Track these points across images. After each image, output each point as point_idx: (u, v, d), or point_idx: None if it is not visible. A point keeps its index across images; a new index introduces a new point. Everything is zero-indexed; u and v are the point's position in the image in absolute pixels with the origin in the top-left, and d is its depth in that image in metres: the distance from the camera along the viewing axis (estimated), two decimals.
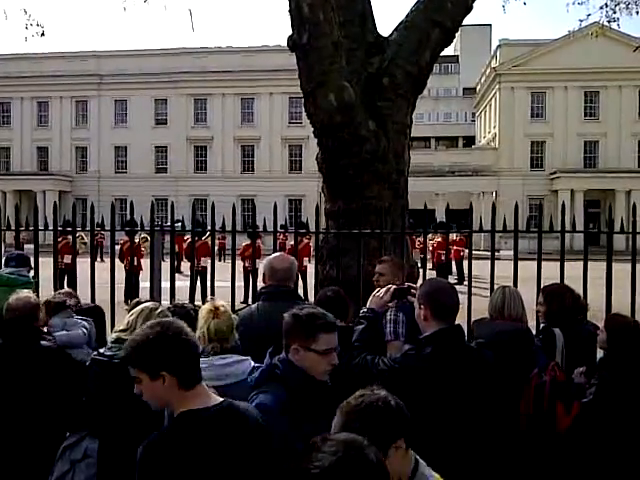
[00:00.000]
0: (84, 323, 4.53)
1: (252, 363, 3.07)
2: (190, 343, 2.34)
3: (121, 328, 3.59)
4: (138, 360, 2.28)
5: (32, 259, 6.07)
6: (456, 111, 66.24)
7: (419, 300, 3.22)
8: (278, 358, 2.72)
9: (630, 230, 5.82)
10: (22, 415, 3.76)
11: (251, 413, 2.39)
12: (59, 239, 13.85)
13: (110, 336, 3.60)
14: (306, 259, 15.20)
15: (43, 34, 10.11)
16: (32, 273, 6.07)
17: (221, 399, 2.36)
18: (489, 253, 5.93)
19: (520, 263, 5.74)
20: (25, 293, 4.13)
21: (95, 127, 50.25)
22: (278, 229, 6.25)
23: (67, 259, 14.43)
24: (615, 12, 10.75)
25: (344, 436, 1.64)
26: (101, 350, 3.53)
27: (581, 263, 5.68)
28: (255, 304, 3.95)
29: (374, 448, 1.61)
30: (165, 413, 3.05)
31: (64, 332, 4.34)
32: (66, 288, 6.14)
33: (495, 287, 4.69)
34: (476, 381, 3.00)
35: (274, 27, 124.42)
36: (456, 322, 3.18)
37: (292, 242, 6.37)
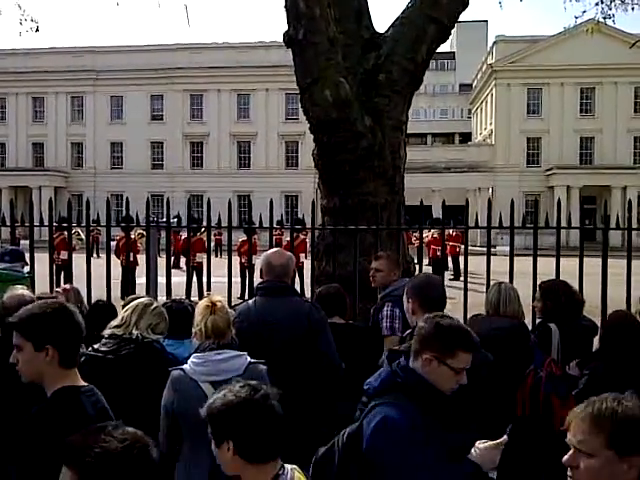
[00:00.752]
0: None
1: (248, 359, 3.08)
2: (80, 328, 2.42)
3: (115, 324, 3.58)
4: (28, 328, 2.34)
5: (27, 255, 6.06)
6: (452, 107, 66.20)
7: (407, 294, 3.27)
8: (398, 365, 2.52)
9: (625, 226, 5.83)
10: (18, 413, 3.75)
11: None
12: (55, 235, 13.86)
13: (104, 332, 3.59)
14: (302, 255, 15.21)
15: (37, 29, 10.10)
16: (27, 268, 6.06)
17: (86, 383, 2.44)
18: (485, 249, 5.94)
19: (516, 259, 5.76)
20: (19, 290, 4.08)
21: (91, 123, 50.07)
22: (274, 225, 6.25)
23: (64, 255, 14.44)
24: (610, 8, 10.77)
25: (135, 431, 1.71)
26: (95, 346, 3.52)
27: (577, 259, 5.70)
28: (252, 299, 3.95)
29: (158, 451, 1.70)
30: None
31: None
32: (63, 284, 6.13)
33: (491, 283, 4.70)
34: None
35: (270, 23, 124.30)
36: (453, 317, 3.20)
37: (288, 238, 6.38)
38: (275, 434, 1.99)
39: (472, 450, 2.43)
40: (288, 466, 2.05)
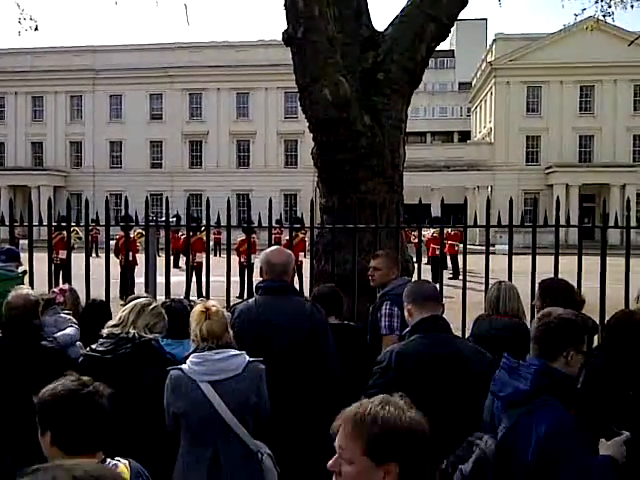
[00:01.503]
0: (73, 319, 4.50)
1: (247, 358, 3.07)
2: None
3: (113, 323, 3.59)
4: None
5: (26, 255, 6.06)
6: (452, 106, 66.20)
7: (404, 300, 3.30)
8: (544, 367, 2.44)
9: (624, 224, 5.83)
10: (19, 413, 3.75)
11: None
12: (54, 234, 13.83)
13: (102, 331, 3.59)
14: (302, 254, 15.19)
15: (37, 28, 10.07)
16: (21, 268, 6.06)
17: None
18: (484, 247, 5.94)
19: (516, 257, 5.75)
20: (25, 290, 4.12)
21: (90, 122, 50.04)
22: (273, 224, 6.24)
23: (62, 254, 14.44)
24: (610, 6, 10.73)
25: None
26: (93, 346, 3.52)
27: (576, 257, 5.69)
28: (252, 299, 3.92)
29: None
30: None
31: (66, 332, 4.30)
32: (61, 284, 6.13)
33: (490, 281, 4.69)
34: (457, 368, 3.04)
35: (270, 22, 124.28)
36: (453, 316, 3.24)
37: (288, 237, 6.38)
38: (95, 429, 2.06)
39: (601, 447, 2.45)
40: (113, 460, 2.12)
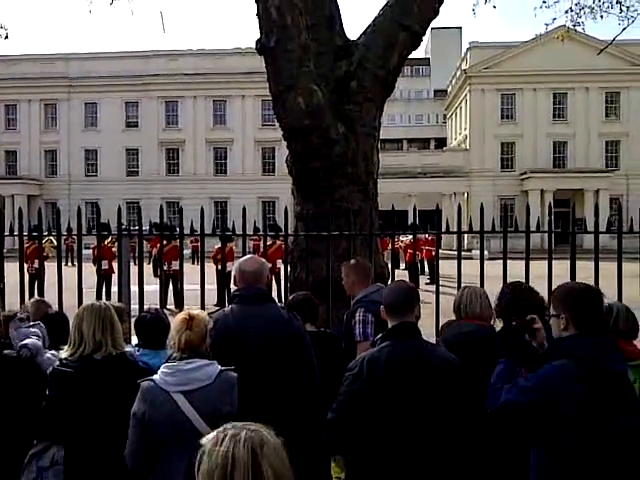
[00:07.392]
0: (33, 330, 4.38)
1: (218, 367, 3.06)
2: None
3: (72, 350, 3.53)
4: None
5: None
6: (427, 113, 66.76)
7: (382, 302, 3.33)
8: None
9: (593, 230, 5.93)
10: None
11: None
12: (28, 244, 13.65)
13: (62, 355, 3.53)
14: (279, 261, 15.17)
15: (7, 37, 9.99)
16: None
17: None
18: (463, 253, 6.00)
19: (494, 262, 5.81)
20: None
21: (65, 130, 49.51)
22: (251, 232, 6.24)
23: (37, 264, 14.25)
24: (580, 16, 10.98)
25: None
26: (62, 356, 3.47)
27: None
28: (229, 307, 3.89)
29: None
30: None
31: (33, 340, 4.22)
32: (36, 296, 6.06)
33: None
34: (427, 373, 3.07)
35: (245, 29, 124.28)
36: (431, 322, 3.26)
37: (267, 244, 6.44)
38: None
39: None
40: None
